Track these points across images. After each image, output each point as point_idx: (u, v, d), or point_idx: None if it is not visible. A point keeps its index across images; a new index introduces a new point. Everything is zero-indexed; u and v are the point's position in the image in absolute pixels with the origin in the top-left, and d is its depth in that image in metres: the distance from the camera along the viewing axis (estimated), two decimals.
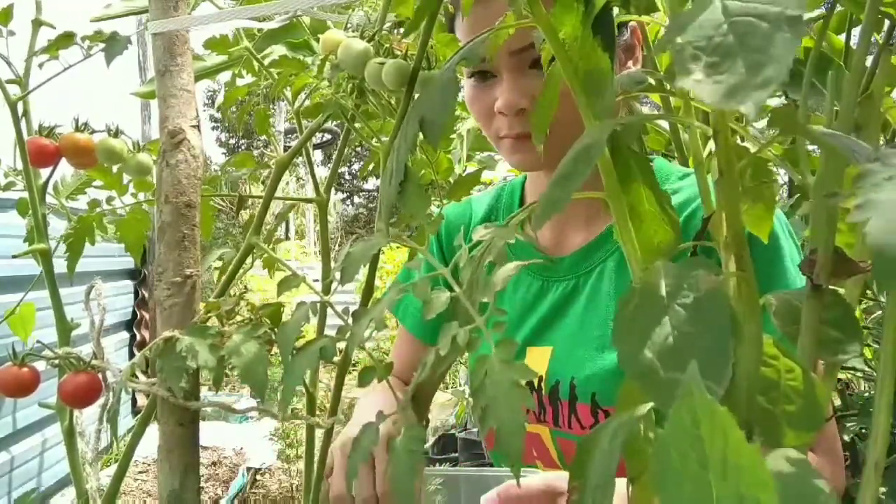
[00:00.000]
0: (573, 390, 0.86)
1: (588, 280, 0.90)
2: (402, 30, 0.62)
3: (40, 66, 0.75)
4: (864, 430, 1.39)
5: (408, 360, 1.05)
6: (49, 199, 0.79)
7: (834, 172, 0.33)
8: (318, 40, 0.77)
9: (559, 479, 0.68)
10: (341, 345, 0.51)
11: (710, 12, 0.26)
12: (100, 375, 0.64)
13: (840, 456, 0.81)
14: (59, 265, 0.79)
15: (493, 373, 0.35)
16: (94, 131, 0.73)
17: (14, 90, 0.75)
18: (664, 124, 1.31)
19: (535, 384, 0.90)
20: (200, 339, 0.55)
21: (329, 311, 0.56)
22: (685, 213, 0.84)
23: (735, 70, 0.24)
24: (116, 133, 0.71)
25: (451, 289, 0.42)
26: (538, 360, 0.90)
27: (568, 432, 0.87)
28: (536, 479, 0.68)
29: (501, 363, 0.35)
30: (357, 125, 0.60)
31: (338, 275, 0.49)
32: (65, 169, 0.77)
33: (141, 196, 0.79)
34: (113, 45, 0.71)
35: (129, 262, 4.18)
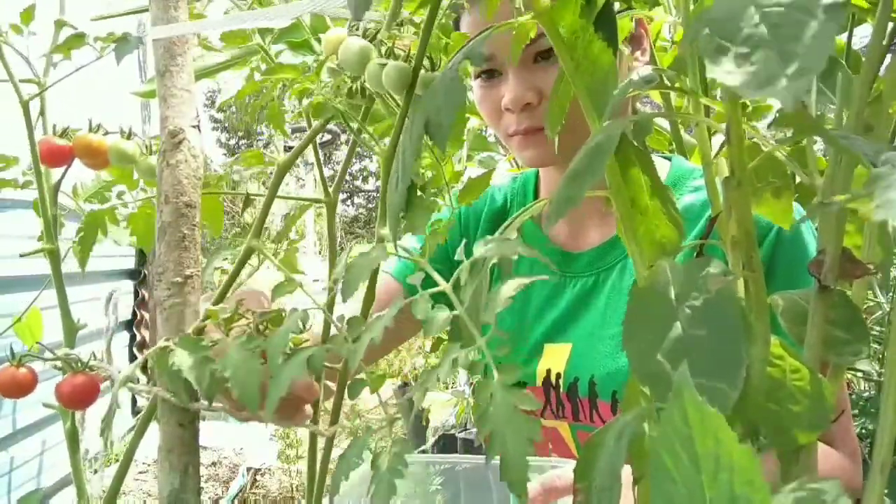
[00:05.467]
0: (593, 388, 0.85)
1: (609, 276, 0.88)
2: (402, 28, 0.62)
3: (54, 65, 0.75)
4: (864, 430, 1.40)
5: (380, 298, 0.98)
6: (69, 201, 0.79)
7: (844, 173, 0.33)
8: (318, 40, 0.76)
9: None
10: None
11: (739, 3, 0.25)
12: (100, 377, 0.64)
13: (858, 454, 0.81)
14: (66, 266, 0.78)
15: (496, 400, 0.35)
16: (107, 132, 0.73)
17: (27, 89, 0.75)
18: (664, 123, 1.31)
19: (553, 381, 0.89)
20: (193, 354, 0.53)
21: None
22: (708, 212, 0.84)
23: (767, 60, 0.23)
24: (129, 135, 0.71)
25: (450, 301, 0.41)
26: (557, 356, 0.89)
27: (589, 425, 0.87)
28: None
29: (504, 390, 0.35)
30: (358, 128, 0.59)
31: (339, 287, 0.48)
32: (84, 173, 0.76)
33: (151, 191, 0.79)
34: (123, 45, 0.71)
35: (129, 263, 4.17)
